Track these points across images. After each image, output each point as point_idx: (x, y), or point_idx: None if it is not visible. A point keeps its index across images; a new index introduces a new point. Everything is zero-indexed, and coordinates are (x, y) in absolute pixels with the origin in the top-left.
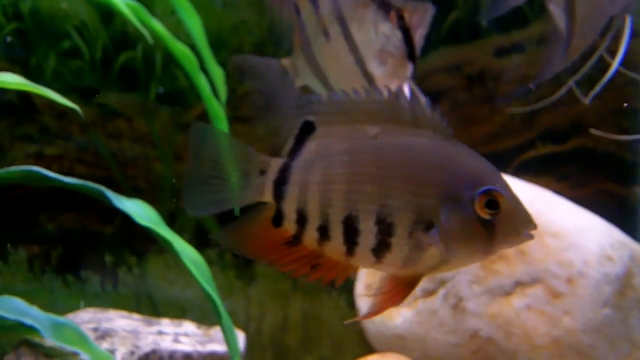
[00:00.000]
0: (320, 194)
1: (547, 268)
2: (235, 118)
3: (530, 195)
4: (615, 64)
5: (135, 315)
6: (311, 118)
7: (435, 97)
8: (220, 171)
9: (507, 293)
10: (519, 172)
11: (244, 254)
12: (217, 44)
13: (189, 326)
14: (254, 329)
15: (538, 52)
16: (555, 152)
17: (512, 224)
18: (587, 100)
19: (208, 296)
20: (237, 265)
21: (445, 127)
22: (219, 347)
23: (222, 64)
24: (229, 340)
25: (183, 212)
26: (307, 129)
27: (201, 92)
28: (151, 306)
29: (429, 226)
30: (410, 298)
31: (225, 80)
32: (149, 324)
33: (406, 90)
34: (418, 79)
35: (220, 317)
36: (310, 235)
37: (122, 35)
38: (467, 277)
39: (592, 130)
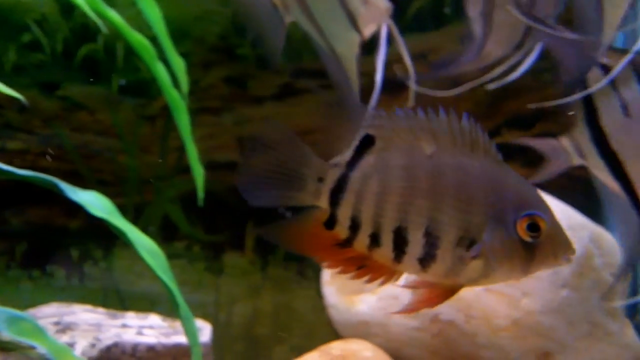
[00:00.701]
0: (375, 204)
1: None
2: (200, 109)
3: None
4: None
5: (101, 309)
6: (371, 132)
7: (401, 85)
8: (284, 169)
9: None
10: None
11: (294, 250)
12: (180, 35)
13: (154, 319)
14: (223, 320)
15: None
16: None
17: (552, 247)
18: (490, 87)
19: (165, 286)
20: (205, 258)
21: (495, 151)
22: (184, 339)
23: (186, 54)
24: (188, 329)
25: (150, 205)
26: (366, 142)
27: (160, 82)
28: (118, 300)
29: (472, 242)
30: (374, 284)
31: (187, 71)
32: (114, 317)
33: (384, 31)
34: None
35: (178, 306)
36: (362, 241)
37: (83, 28)
38: None
39: (530, 105)
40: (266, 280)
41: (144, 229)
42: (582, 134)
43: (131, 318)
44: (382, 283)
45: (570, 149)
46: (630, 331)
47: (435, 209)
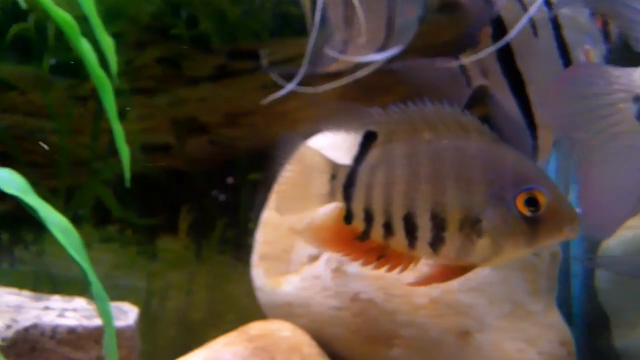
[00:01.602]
0: (384, 194)
1: None
2: (134, 90)
3: None
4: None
5: (26, 292)
6: (372, 128)
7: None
8: (305, 177)
9: None
10: None
11: (322, 247)
12: (113, 14)
13: (79, 302)
14: (156, 304)
15: (438, 20)
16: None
17: (555, 220)
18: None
19: (77, 264)
20: (138, 242)
21: (489, 131)
22: None
23: (119, 34)
24: (101, 309)
25: (81, 187)
26: (369, 138)
27: (85, 61)
28: (50, 284)
29: (477, 222)
30: (297, 264)
31: (120, 51)
32: (38, 300)
33: None
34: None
35: (91, 285)
36: (377, 231)
37: (13, 6)
38: None
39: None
40: (200, 265)
41: (76, 212)
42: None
43: (55, 301)
44: (402, 270)
45: (474, 69)
46: (554, 311)
47: (438, 192)
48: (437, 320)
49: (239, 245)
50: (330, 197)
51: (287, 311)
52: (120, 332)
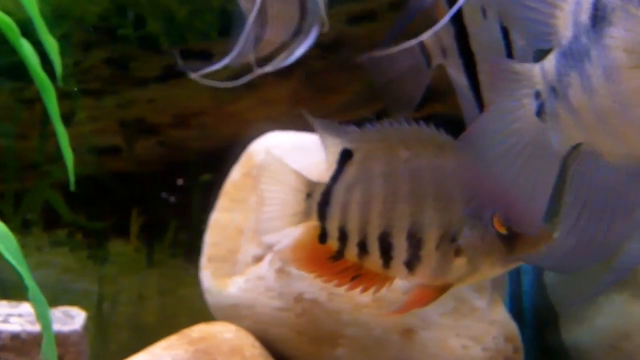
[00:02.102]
0: (359, 213)
1: None
2: (83, 91)
3: None
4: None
5: None
6: (349, 146)
7: (289, 67)
8: (283, 197)
9: None
10: None
11: (298, 268)
12: (59, 15)
13: (25, 307)
14: (108, 308)
15: (389, 18)
16: (410, 118)
17: (532, 238)
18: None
19: (13, 268)
20: (88, 245)
21: (465, 150)
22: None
23: (66, 35)
24: (39, 313)
25: (30, 191)
26: (346, 156)
27: (27, 63)
28: (1, 289)
29: (454, 240)
30: (243, 265)
31: (67, 53)
32: None
33: None
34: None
35: (28, 289)
36: (351, 250)
37: None
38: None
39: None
40: (152, 268)
41: (25, 216)
42: (447, 31)
43: (1, 307)
44: (376, 291)
45: (435, 48)
46: (499, 307)
47: (414, 211)
48: (381, 319)
49: (191, 247)
50: (306, 215)
51: (233, 313)
52: (67, 337)
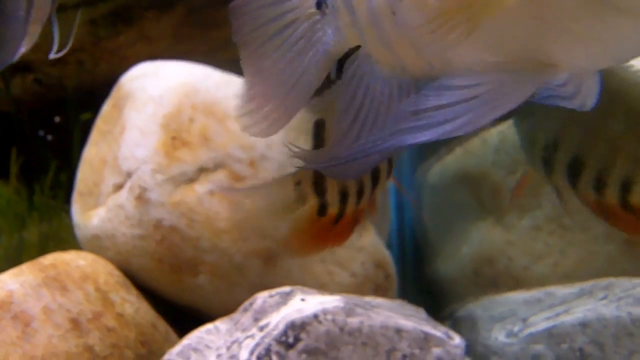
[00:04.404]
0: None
1: (229, 152)
2: None
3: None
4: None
5: None
6: (318, 115)
7: (170, 1)
8: (279, 200)
9: (191, 180)
10: None
11: (308, 253)
12: None
13: None
14: None
15: None
16: None
17: None
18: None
19: None
20: None
21: None
22: None
23: None
24: None
25: None
26: (320, 125)
27: None
28: None
29: None
30: (105, 196)
31: None
32: None
33: None
34: None
35: None
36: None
37: None
38: (150, 166)
39: None
40: (32, 210)
41: None
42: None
43: None
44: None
45: None
46: (369, 235)
47: None
48: (240, 245)
49: (72, 189)
50: (299, 202)
51: (96, 244)
52: None
